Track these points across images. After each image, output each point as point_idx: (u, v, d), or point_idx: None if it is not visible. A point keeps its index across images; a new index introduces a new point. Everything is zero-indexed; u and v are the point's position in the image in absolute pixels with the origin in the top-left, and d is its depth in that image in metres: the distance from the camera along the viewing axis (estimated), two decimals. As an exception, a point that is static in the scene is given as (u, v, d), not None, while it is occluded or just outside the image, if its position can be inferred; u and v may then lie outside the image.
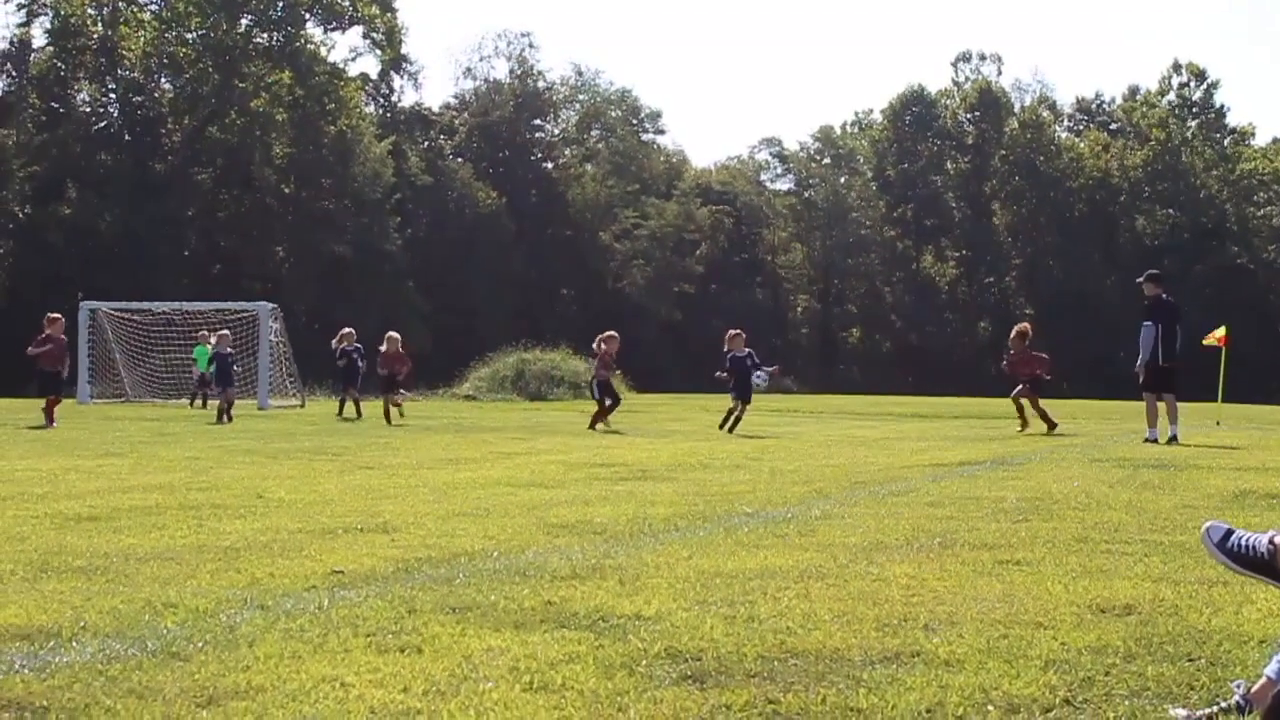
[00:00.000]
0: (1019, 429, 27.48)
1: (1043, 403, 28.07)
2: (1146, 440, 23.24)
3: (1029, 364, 27.82)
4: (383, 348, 33.34)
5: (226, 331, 35.28)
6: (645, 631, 6.51)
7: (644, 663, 5.88)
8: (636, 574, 8.25)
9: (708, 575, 8.21)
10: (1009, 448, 22.40)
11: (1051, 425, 27.09)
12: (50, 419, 27.54)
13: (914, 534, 10.19)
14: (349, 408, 35.19)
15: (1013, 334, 28.74)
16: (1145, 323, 23.46)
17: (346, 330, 36.00)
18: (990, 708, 5.22)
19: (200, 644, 6.24)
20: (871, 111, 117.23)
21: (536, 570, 8.39)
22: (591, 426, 28.38)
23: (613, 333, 30.53)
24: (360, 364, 35.25)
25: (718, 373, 28.45)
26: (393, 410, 32.28)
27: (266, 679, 5.59)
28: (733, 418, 27.54)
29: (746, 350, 28.32)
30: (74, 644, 6.27)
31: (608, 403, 29.19)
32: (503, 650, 6.11)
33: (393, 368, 33.12)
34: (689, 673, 5.72)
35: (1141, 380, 23.66)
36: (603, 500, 12.82)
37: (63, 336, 29.03)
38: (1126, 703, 5.29)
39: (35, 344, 28.36)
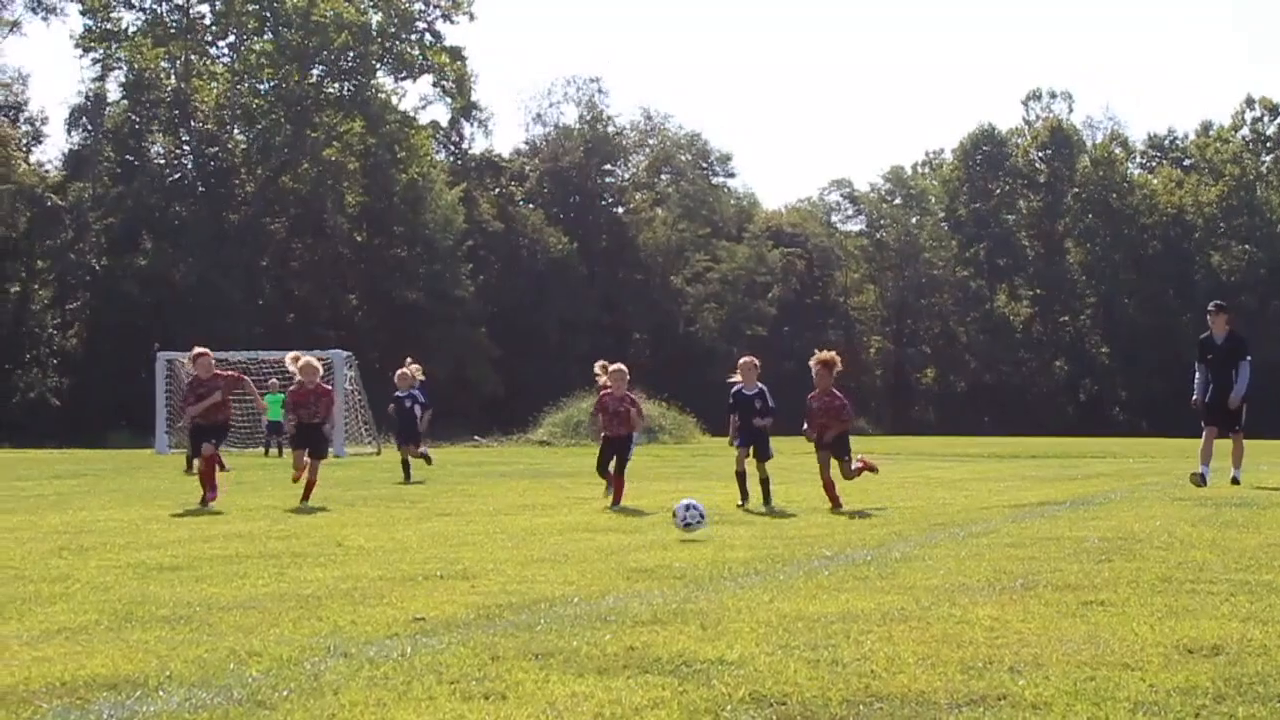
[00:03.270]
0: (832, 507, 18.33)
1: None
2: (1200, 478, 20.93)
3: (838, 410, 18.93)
4: (295, 378, 21.43)
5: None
6: (729, 676, 6.49)
7: (728, 708, 5.86)
8: (718, 618, 8.23)
9: (789, 619, 8.18)
10: (1088, 487, 22.23)
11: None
12: (210, 484, 19.69)
13: (996, 575, 10.12)
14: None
15: (819, 363, 19.02)
16: (1247, 357, 21.67)
17: (406, 369, 28.57)
18: (1080, 751, 5.18)
19: (285, 692, 6.27)
20: (942, 151, 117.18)
21: (617, 615, 8.38)
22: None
23: (617, 366, 20.56)
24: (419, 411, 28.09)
25: (733, 430, 19.73)
26: (306, 475, 20.56)
27: (352, 727, 5.61)
28: (759, 482, 19.31)
29: (758, 386, 19.73)
30: (160, 693, 6.31)
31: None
32: (586, 696, 6.10)
33: (306, 408, 20.92)
34: (774, 717, 5.70)
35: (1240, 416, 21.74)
36: (681, 545, 12.80)
37: (215, 373, 20.70)
38: (1219, 745, 5.24)
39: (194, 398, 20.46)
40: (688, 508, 13.91)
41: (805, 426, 18.87)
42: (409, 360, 28.79)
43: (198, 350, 20.71)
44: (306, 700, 6.11)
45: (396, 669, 6.82)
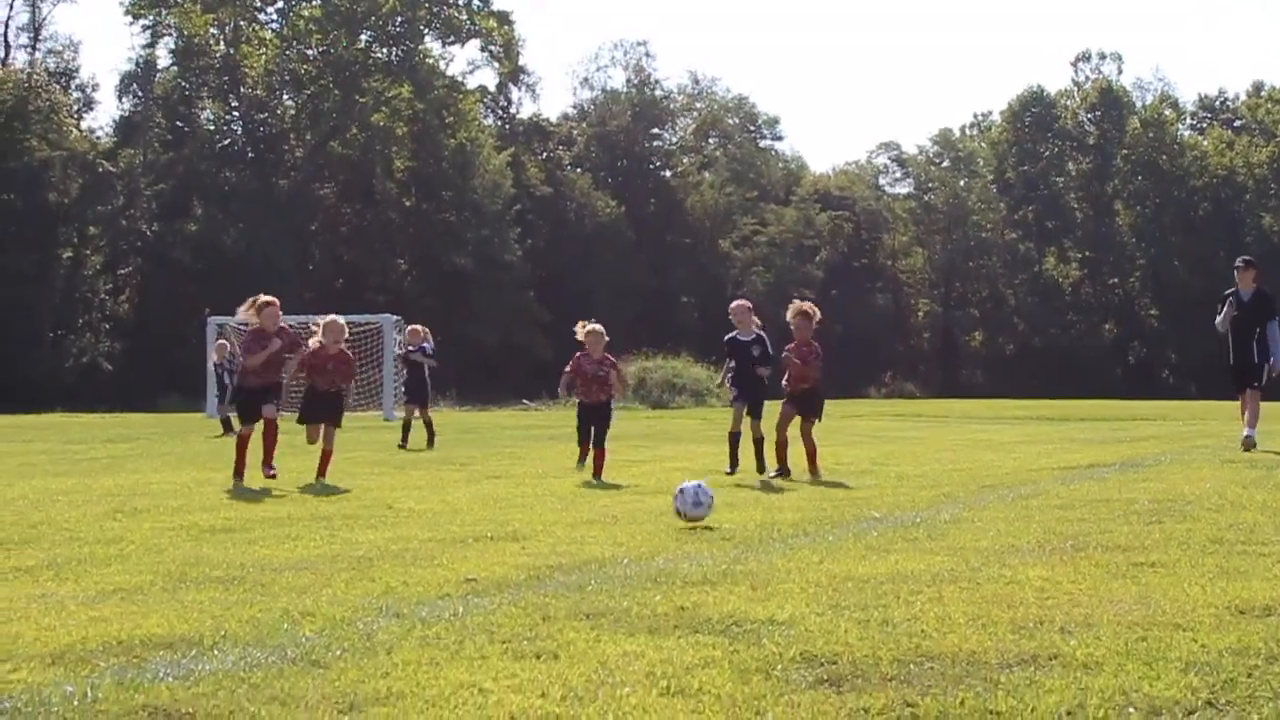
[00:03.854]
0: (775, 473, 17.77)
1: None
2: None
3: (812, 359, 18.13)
4: (315, 340, 18.41)
5: (224, 342, 35.54)
6: (779, 636, 6.51)
7: (779, 667, 5.89)
8: (768, 579, 8.25)
9: (839, 579, 8.20)
10: (1138, 450, 22.15)
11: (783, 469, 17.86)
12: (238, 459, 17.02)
13: (1045, 537, 10.11)
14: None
15: (797, 314, 18.46)
16: (1275, 318, 20.45)
17: (417, 326, 28.15)
18: (1131, 710, 5.17)
19: (339, 651, 6.32)
20: (990, 113, 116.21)
21: (668, 576, 8.41)
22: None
23: (593, 326, 18.50)
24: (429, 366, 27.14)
25: (724, 375, 19.09)
26: (322, 445, 18.17)
27: (406, 685, 5.65)
28: (753, 443, 18.03)
29: (755, 332, 18.53)
30: (215, 652, 6.37)
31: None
32: (638, 655, 6.13)
33: (324, 375, 18.48)
34: (825, 676, 5.72)
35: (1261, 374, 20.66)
36: (730, 506, 12.80)
37: (281, 328, 17.96)
38: (1270, 705, 5.23)
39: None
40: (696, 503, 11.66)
41: (785, 380, 17.96)
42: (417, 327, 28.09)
43: (265, 299, 17.52)
44: (360, 659, 6.17)
45: (449, 629, 6.86)
